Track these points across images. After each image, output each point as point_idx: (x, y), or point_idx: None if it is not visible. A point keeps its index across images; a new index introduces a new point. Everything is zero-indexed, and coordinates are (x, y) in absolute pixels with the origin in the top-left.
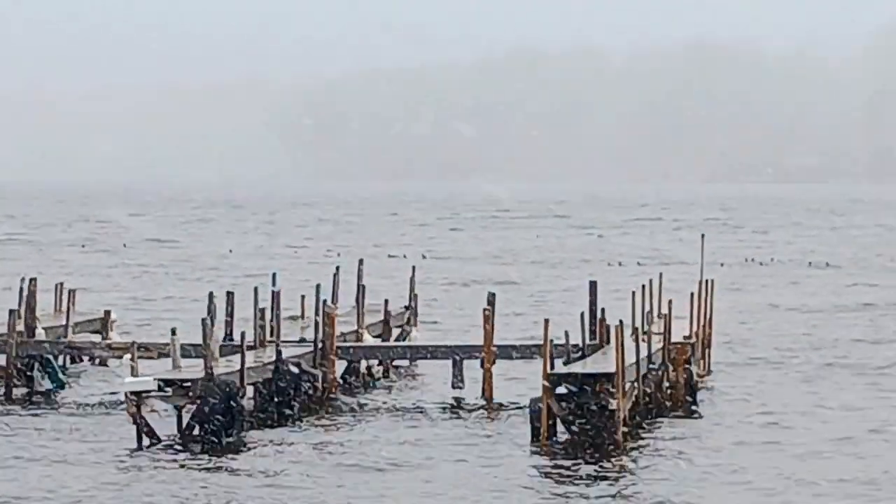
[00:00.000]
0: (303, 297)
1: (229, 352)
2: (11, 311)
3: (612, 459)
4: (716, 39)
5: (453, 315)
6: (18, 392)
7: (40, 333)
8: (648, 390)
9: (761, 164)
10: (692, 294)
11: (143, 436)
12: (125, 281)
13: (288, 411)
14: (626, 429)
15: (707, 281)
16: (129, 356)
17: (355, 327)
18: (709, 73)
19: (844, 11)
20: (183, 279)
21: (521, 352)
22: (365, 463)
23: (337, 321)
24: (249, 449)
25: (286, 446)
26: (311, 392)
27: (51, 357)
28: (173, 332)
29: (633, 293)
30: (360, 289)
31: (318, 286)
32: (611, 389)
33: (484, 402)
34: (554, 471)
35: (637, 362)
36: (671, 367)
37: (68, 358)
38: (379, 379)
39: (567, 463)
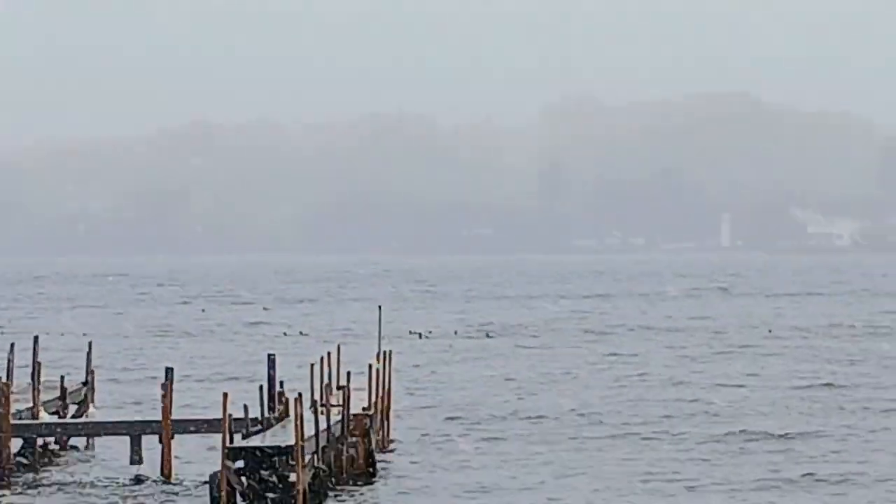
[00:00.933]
0: None
1: None
2: None
3: None
4: (390, 111)
5: (131, 389)
6: None
7: None
8: (328, 462)
9: (440, 236)
10: (370, 366)
11: None
12: None
13: None
14: (305, 501)
15: (385, 352)
16: None
17: (31, 404)
18: (384, 145)
19: (515, 89)
20: None
21: (199, 426)
22: None
23: (12, 398)
24: None
25: None
26: None
27: None
28: None
29: (312, 365)
30: (36, 366)
31: None
32: (290, 462)
33: (163, 478)
34: None
35: (317, 434)
36: (350, 438)
37: None
38: (56, 456)
39: None
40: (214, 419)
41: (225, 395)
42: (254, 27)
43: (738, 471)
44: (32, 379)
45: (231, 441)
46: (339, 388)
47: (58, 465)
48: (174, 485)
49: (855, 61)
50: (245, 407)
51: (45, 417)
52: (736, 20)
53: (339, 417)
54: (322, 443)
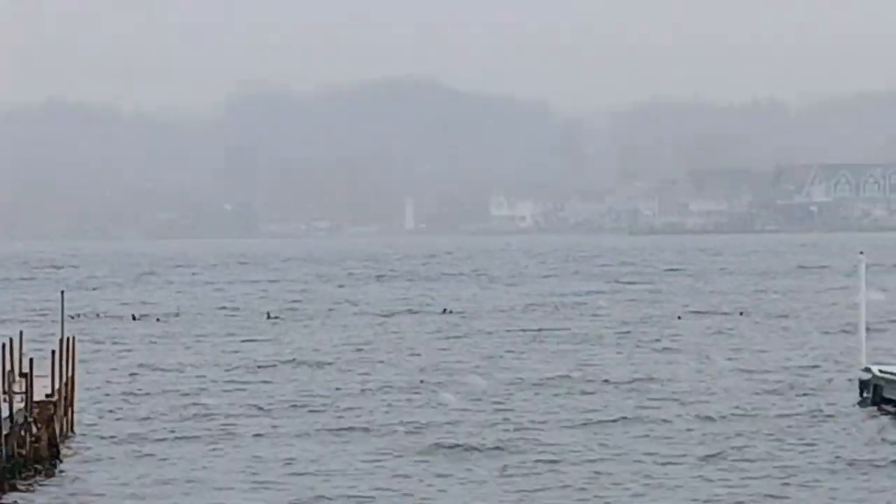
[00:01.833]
0: None
1: None
2: None
3: None
4: (75, 98)
5: None
6: None
7: None
8: (11, 450)
9: (126, 220)
10: (53, 352)
11: None
12: None
13: None
14: None
15: (68, 338)
16: None
17: None
18: (67, 132)
19: (204, 76)
20: None
21: None
22: None
23: None
24: None
25: None
26: None
27: None
28: None
29: None
30: None
31: None
32: None
33: None
34: None
35: None
36: (34, 427)
37: None
38: None
39: None
40: None
41: None
42: None
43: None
44: None
45: None
46: (21, 375)
47: None
48: None
49: (534, 47)
50: None
51: None
52: (428, 4)
53: (22, 405)
54: (4, 430)
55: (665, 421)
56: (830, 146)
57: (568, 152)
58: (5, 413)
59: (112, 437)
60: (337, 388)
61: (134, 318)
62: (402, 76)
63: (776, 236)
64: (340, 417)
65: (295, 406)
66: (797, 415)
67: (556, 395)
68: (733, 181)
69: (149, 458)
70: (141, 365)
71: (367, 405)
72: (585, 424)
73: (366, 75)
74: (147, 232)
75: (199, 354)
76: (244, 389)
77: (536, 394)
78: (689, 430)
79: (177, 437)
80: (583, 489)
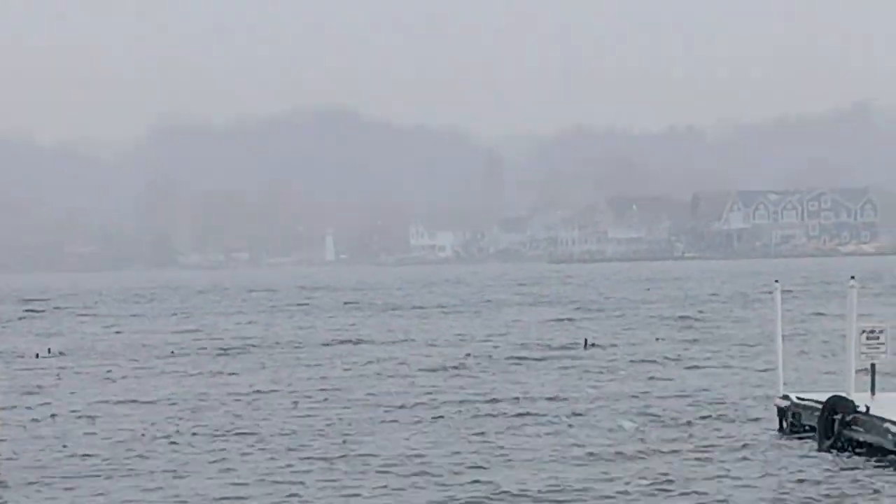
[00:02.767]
0: None
1: None
2: None
3: None
4: None
5: None
6: None
7: None
8: None
9: (46, 253)
10: None
11: None
12: None
13: None
14: None
15: None
16: None
17: None
18: None
19: (112, 111)
20: None
21: None
22: None
23: None
24: None
25: None
26: None
27: None
28: None
29: None
30: None
31: None
32: None
33: None
34: None
35: None
36: None
37: None
38: None
39: None
40: None
41: None
42: None
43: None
44: None
45: None
46: None
47: None
48: None
49: (452, 75)
50: None
51: None
52: (343, 35)
53: None
54: None
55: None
56: (748, 173)
57: (488, 181)
58: None
59: None
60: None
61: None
62: (321, 107)
63: (696, 263)
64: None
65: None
66: (713, 446)
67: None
68: (652, 208)
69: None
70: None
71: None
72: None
73: (285, 106)
74: (67, 265)
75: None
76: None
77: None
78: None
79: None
80: None
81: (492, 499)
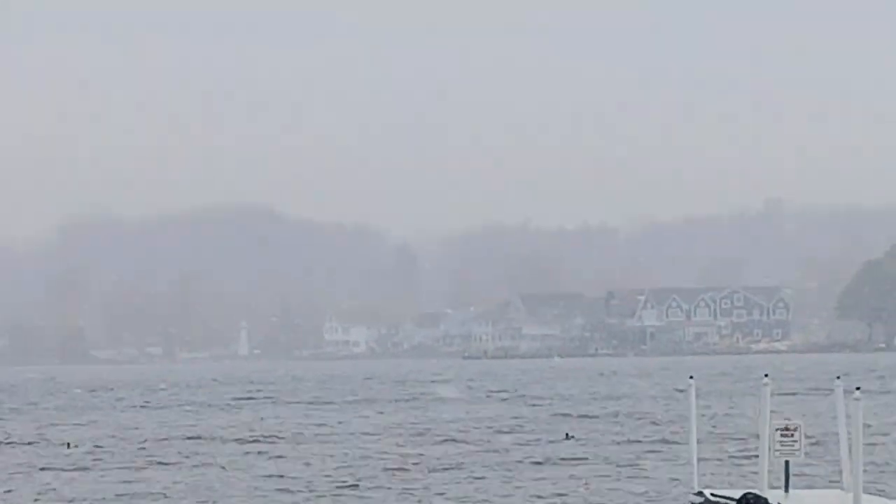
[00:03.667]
0: None
1: None
2: None
3: None
4: None
5: None
6: None
7: None
8: None
9: None
10: None
11: None
12: None
13: None
14: None
15: None
16: None
17: None
18: None
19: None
20: None
21: None
22: None
23: None
24: None
25: None
26: None
27: None
28: None
29: None
30: None
31: None
32: None
33: None
34: None
35: None
36: None
37: None
38: None
39: None
40: None
41: None
42: None
43: None
44: None
45: None
46: None
47: None
48: None
49: (365, 173)
50: None
51: None
52: (257, 137)
53: None
54: None
55: None
56: (660, 270)
57: (401, 277)
58: None
59: None
60: None
61: None
62: (235, 203)
63: (609, 360)
64: None
65: None
66: None
67: None
68: (566, 305)
69: None
70: None
71: None
72: None
73: (198, 201)
74: None
75: None
76: None
77: None
78: None
79: None
80: None
81: None
